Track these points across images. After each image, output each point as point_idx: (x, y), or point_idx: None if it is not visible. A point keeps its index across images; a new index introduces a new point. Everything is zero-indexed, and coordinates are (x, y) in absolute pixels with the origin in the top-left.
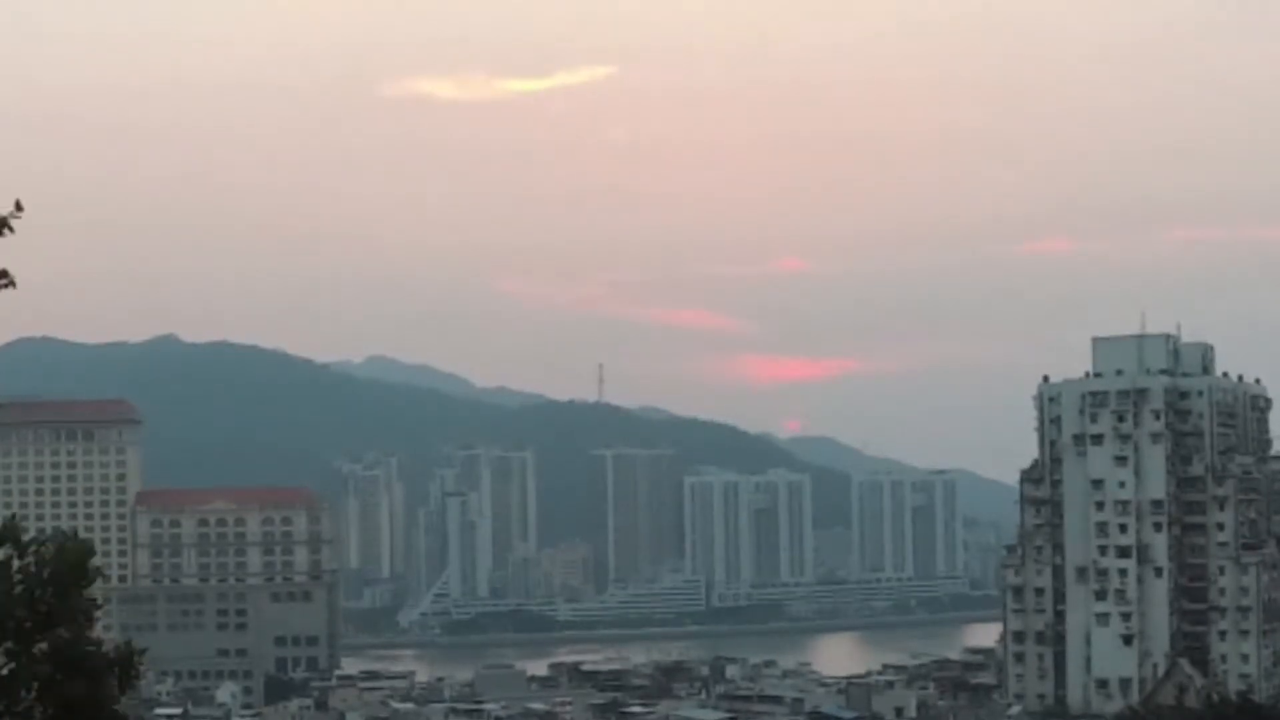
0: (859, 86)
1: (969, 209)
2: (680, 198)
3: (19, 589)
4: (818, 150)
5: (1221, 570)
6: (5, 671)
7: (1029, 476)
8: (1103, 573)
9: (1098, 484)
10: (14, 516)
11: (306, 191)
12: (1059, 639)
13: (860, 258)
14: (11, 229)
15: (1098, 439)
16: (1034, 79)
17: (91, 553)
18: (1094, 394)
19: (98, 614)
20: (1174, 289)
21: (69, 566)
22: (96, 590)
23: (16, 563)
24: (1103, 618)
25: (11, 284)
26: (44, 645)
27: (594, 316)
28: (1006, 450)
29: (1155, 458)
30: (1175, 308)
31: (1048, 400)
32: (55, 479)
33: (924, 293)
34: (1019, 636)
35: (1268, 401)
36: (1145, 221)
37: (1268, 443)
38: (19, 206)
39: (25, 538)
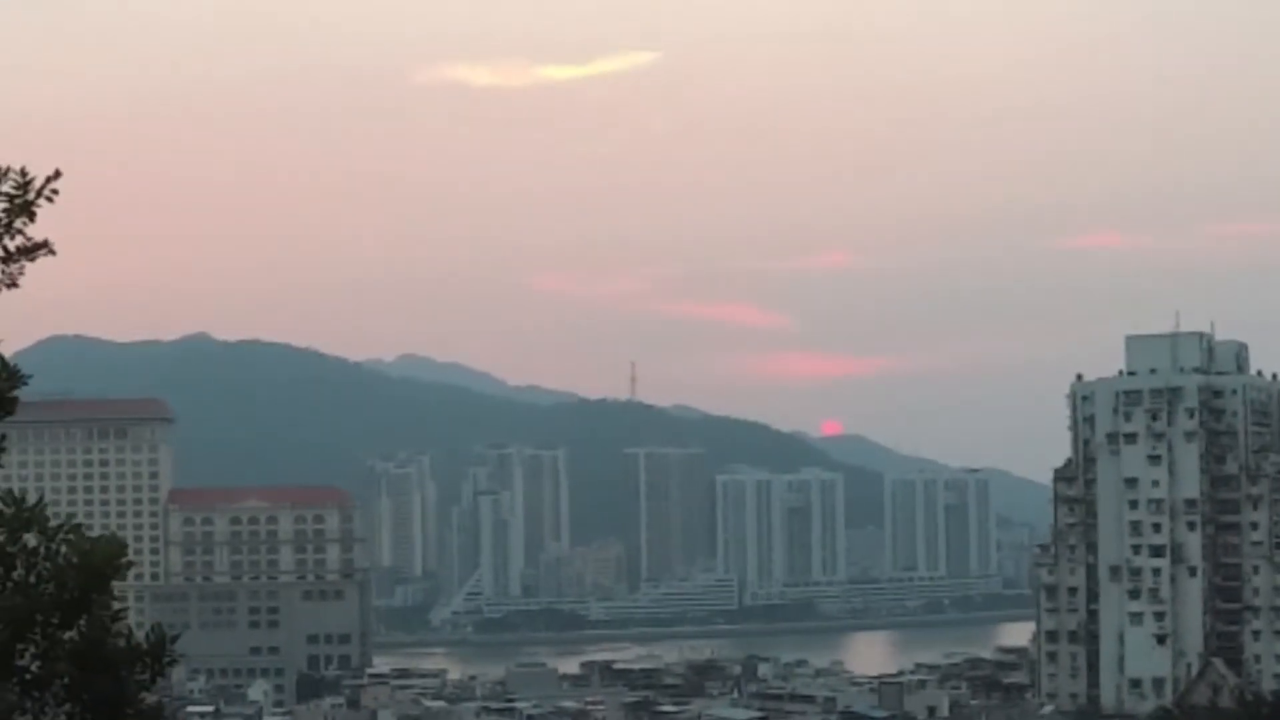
0: (903, 77)
1: (1013, 203)
2: (723, 189)
3: (49, 583)
4: (863, 141)
5: (1255, 569)
6: (34, 667)
7: (1062, 475)
8: (1136, 572)
9: (1131, 483)
10: (41, 499)
11: (338, 187)
12: (1092, 638)
13: (904, 251)
14: (51, 198)
15: (1131, 438)
16: (1078, 71)
17: (124, 548)
18: (1128, 392)
19: (123, 613)
20: (1215, 284)
21: (101, 560)
22: (128, 588)
23: (44, 550)
24: (1136, 617)
25: (52, 252)
26: (71, 636)
27: (630, 313)
28: (1040, 449)
29: (1189, 456)
30: (1215, 303)
31: (1081, 399)
32: (88, 477)
33: (964, 287)
34: (1052, 636)
35: None
36: (1188, 216)
37: None
38: (57, 174)
39: (53, 524)
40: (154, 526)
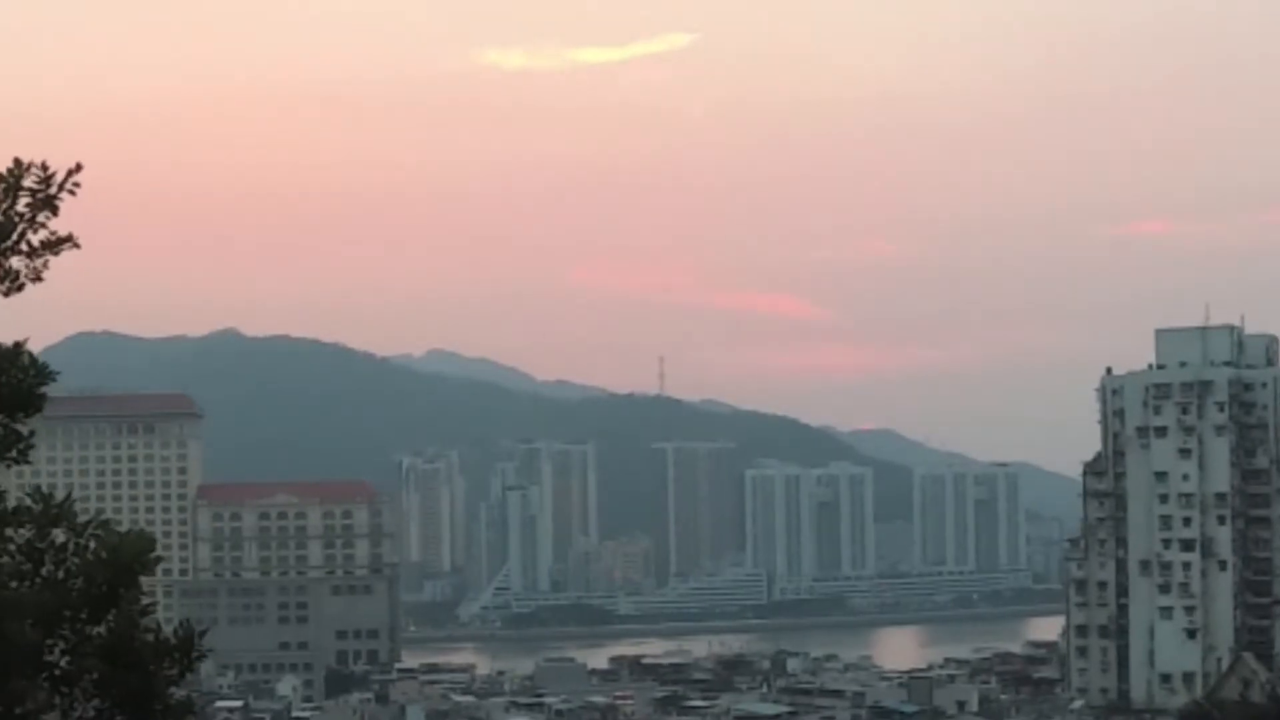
0: (948, 65)
1: (1055, 195)
2: (761, 176)
3: (78, 578)
4: (905, 130)
5: None
6: (63, 663)
7: (1092, 469)
8: (1166, 566)
9: (1161, 476)
10: (69, 496)
11: (364, 178)
12: (1122, 633)
13: (946, 241)
14: (73, 191)
15: (1161, 431)
16: (1123, 61)
17: (152, 543)
18: (1157, 386)
19: (152, 608)
20: (1259, 272)
21: (130, 555)
22: (157, 583)
23: (73, 544)
24: (1166, 611)
25: (76, 245)
26: (99, 632)
27: (660, 306)
28: (1069, 443)
29: (1219, 450)
30: (1255, 291)
31: (1111, 392)
32: (116, 473)
33: (998, 280)
34: (1082, 630)
35: None
36: (1235, 205)
37: None
38: (78, 167)
39: (82, 519)
40: (183, 522)
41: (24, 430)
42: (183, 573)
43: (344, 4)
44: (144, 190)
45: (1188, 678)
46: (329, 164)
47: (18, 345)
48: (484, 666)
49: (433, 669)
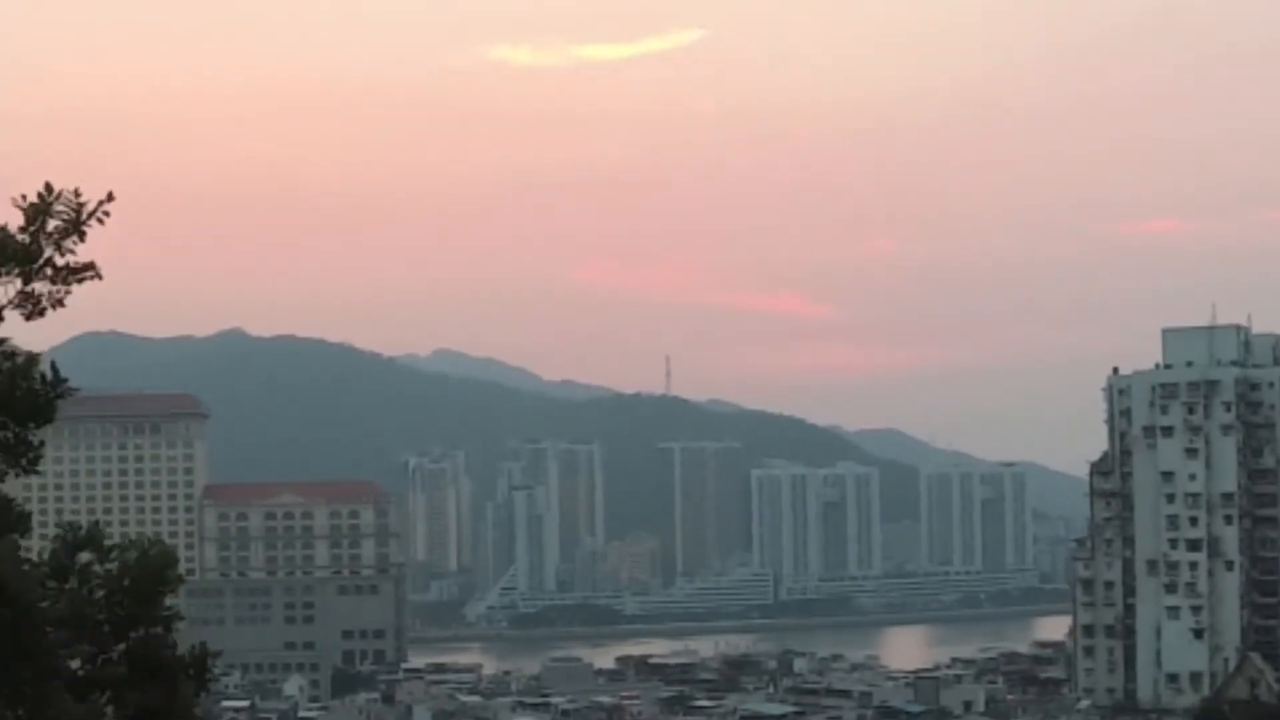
0: (957, 64)
1: (1062, 190)
2: (769, 174)
3: (100, 593)
4: (914, 127)
5: None
6: (81, 674)
7: (1099, 469)
8: (1173, 566)
9: (1168, 476)
10: (98, 523)
11: (369, 180)
12: (1129, 632)
13: (952, 240)
14: (102, 220)
15: (1168, 431)
16: (1133, 57)
17: (175, 559)
18: (1164, 385)
19: (178, 624)
20: (1262, 274)
21: (151, 572)
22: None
23: (98, 567)
24: (1173, 611)
25: (97, 276)
26: (121, 648)
27: (666, 305)
28: (1076, 443)
29: (1226, 450)
30: (1258, 294)
31: (1117, 392)
32: (123, 473)
33: (1006, 278)
34: (1089, 630)
35: None
36: (1242, 204)
37: None
38: (110, 197)
39: (108, 543)
40: (189, 522)
41: (35, 440)
42: (189, 573)
43: (348, 2)
44: (148, 190)
45: (1194, 678)
46: (334, 163)
47: (33, 356)
48: (490, 666)
49: (439, 669)
